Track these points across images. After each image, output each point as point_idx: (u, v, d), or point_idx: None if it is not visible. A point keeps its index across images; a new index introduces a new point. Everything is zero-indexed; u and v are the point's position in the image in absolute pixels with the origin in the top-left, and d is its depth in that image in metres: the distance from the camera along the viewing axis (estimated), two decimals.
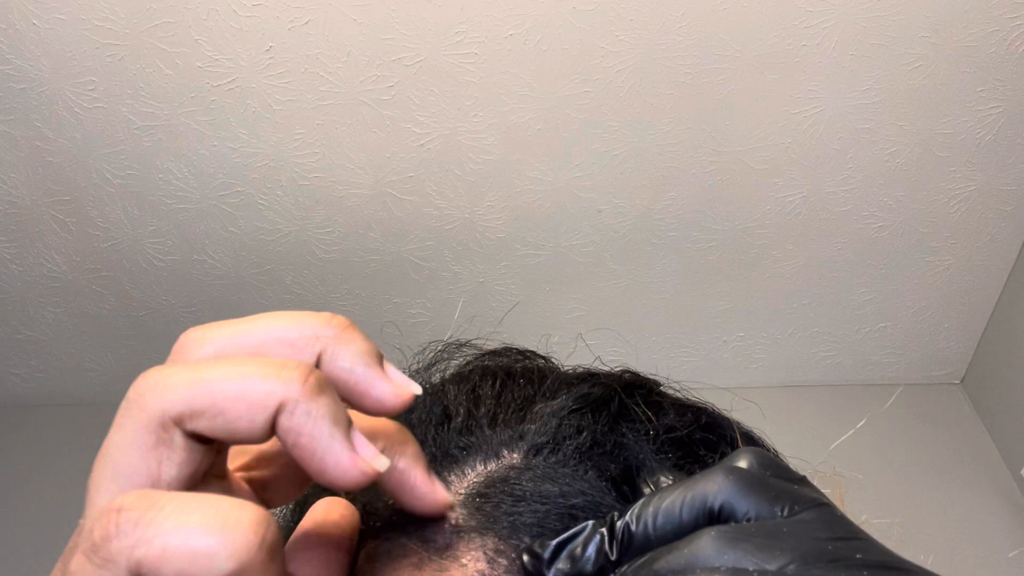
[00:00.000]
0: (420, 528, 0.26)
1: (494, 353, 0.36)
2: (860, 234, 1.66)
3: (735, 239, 1.67)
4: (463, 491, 0.27)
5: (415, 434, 0.26)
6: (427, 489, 0.24)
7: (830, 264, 1.72)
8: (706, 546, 0.20)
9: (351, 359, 0.23)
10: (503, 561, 0.25)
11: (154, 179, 1.58)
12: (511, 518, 0.26)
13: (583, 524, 0.23)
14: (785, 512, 0.21)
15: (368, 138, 1.50)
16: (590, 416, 0.30)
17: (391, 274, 1.75)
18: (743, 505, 0.22)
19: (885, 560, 0.20)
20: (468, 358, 0.36)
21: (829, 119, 1.47)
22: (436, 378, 0.34)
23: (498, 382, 0.32)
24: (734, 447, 0.31)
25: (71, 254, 1.72)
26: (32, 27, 1.37)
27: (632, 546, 0.22)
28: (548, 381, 0.32)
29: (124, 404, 0.20)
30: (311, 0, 1.32)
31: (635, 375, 0.34)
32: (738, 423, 0.33)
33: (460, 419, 0.30)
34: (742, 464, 0.23)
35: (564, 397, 0.30)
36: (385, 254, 1.70)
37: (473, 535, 0.25)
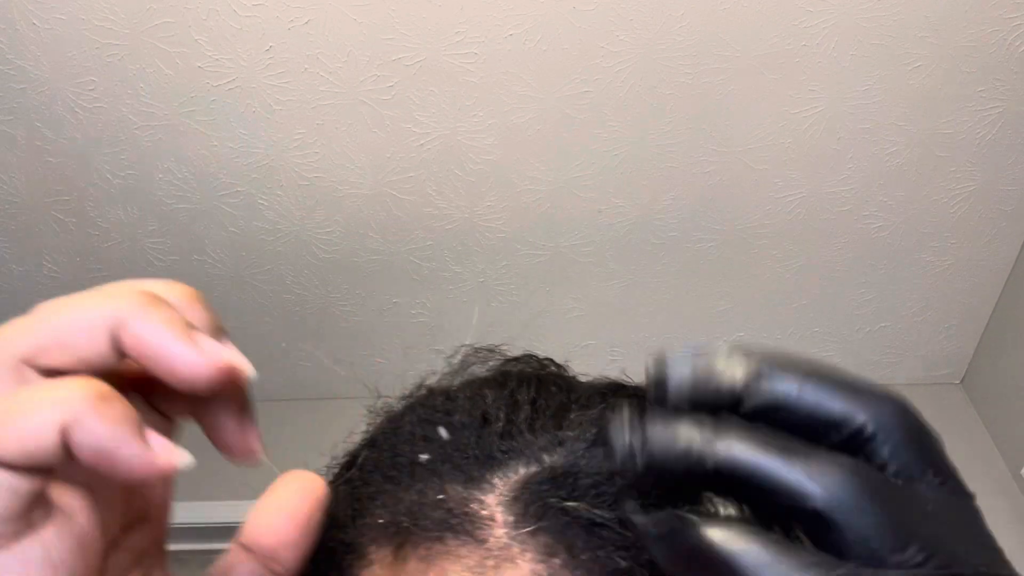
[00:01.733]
0: (473, 529, 0.27)
1: (516, 359, 0.37)
2: (860, 234, 1.66)
3: (735, 239, 1.67)
4: (508, 493, 0.28)
5: (458, 437, 0.28)
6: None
7: (830, 264, 1.72)
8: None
9: (151, 327, 0.22)
10: (557, 560, 0.25)
11: (154, 179, 1.58)
12: (564, 517, 0.26)
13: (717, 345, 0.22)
14: (937, 481, 0.20)
15: (368, 138, 1.50)
16: None
17: (391, 274, 1.75)
18: (893, 443, 0.20)
19: None
20: (493, 363, 0.37)
21: (829, 119, 1.47)
22: (457, 380, 0.35)
23: (533, 388, 0.32)
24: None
25: (71, 254, 1.72)
26: (32, 27, 1.37)
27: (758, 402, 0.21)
28: (580, 390, 0.33)
29: None
30: (311, 0, 1.32)
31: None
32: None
33: (500, 423, 0.30)
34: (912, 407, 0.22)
35: (599, 408, 0.31)
36: (385, 254, 1.70)
37: (526, 536, 0.26)
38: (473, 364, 0.36)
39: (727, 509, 0.21)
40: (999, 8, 1.33)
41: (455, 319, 1.82)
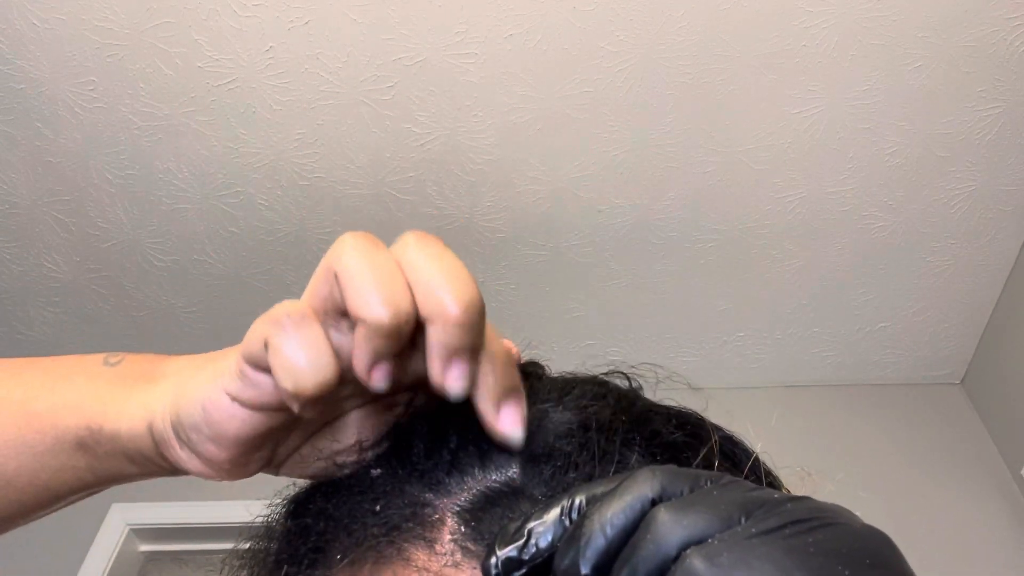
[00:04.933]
0: (423, 531, 0.28)
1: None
2: (860, 234, 1.66)
3: (735, 239, 1.67)
4: (462, 500, 0.29)
5: (411, 452, 0.30)
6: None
7: (830, 264, 1.72)
8: (663, 524, 0.21)
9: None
10: None
11: (154, 179, 1.58)
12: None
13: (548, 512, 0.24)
14: (708, 483, 0.23)
15: (368, 138, 1.50)
16: (598, 433, 0.31)
17: None
18: (676, 486, 0.23)
19: (803, 498, 0.22)
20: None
21: (829, 119, 1.47)
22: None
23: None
24: (711, 449, 0.32)
25: (71, 254, 1.72)
26: (32, 27, 1.37)
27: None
28: (546, 390, 0.34)
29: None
30: (311, 0, 1.33)
31: (622, 393, 0.35)
32: (718, 426, 0.34)
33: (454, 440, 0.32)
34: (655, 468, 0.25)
35: (572, 413, 0.31)
36: None
37: (472, 544, 0.28)
38: None
39: None
40: (999, 8, 1.33)
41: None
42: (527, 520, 0.24)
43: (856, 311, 1.82)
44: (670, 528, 0.21)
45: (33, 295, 1.80)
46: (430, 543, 0.27)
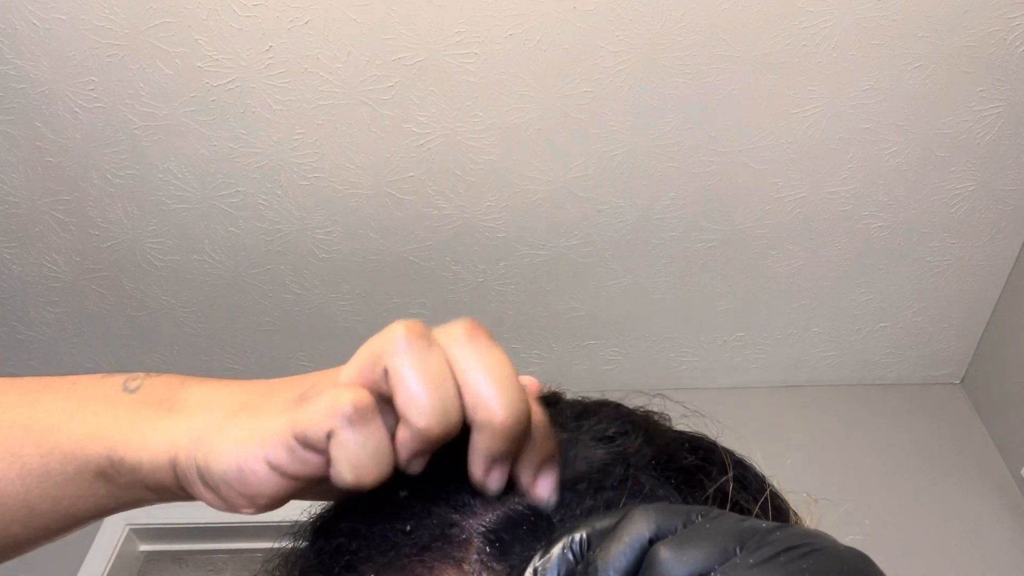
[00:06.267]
0: (451, 550, 0.29)
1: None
2: (860, 234, 1.66)
3: (735, 239, 1.67)
4: (488, 521, 0.30)
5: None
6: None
7: (830, 264, 1.72)
8: (666, 562, 0.22)
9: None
10: None
11: (154, 179, 1.58)
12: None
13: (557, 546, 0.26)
14: (700, 518, 0.24)
15: (368, 138, 1.50)
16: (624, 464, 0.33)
17: (391, 274, 1.75)
18: (671, 523, 0.24)
19: (788, 525, 0.24)
20: None
21: (829, 119, 1.47)
22: None
23: None
24: (724, 471, 0.33)
25: (71, 254, 1.72)
26: (32, 27, 1.37)
27: None
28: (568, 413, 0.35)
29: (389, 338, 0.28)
30: (311, 0, 1.33)
31: (637, 419, 0.36)
32: (729, 451, 0.36)
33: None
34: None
35: (590, 440, 0.33)
36: (385, 254, 1.70)
37: (498, 566, 0.29)
38: None
39: None
40: (999, 8, 1.33)
41: (455, 319, 1.81)
42: (532, 560, 0.25)
43: (856, 311, 1.82)
44: (672, 566, 0.22)
45: (33, 295, 1.80)
46: (458, 562, 0.28)
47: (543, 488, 0.29)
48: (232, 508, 0.30)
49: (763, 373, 1.95)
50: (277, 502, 0.29)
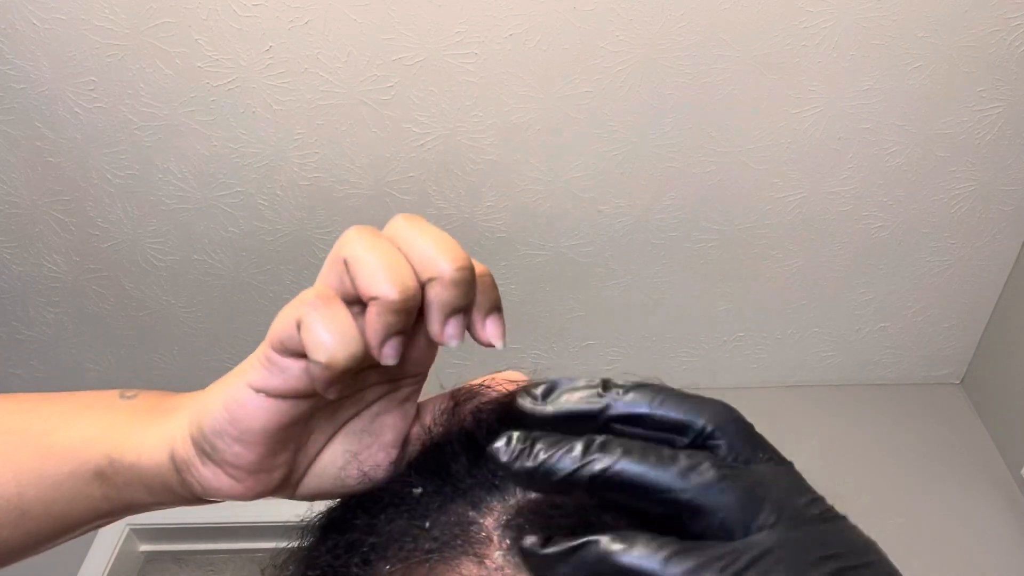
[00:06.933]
0: (472, 548, 0.30)
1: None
2: (860, 234, 1.66)
3: (735, 239, 1.67)
4: (505, 517, 0.31)
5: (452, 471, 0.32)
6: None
7: (830, 264, 1.72)
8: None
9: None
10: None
11: (154, 179, 1.58)
12: None
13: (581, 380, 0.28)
14: (765, 457, 0.26)
15: (368, 138, 1.50)
16: None
17: None
18: (729, 437, 0.26)
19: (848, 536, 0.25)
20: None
21: (829, 119, 1.47)
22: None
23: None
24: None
25: (71, 254, 1.72)
26: (32, 27, 1.37)
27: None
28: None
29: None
30: (311, 0, 1.33)
31: None
32: None
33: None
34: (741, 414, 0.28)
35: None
36: None
37: (519, 560, 0.29)
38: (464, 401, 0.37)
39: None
40: (999, 8, 1.33)
41: None
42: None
43: (856, 311, 1.82)
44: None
45: (33, 295, 1.80)
46: (480, 558, 0.29)
47: (492, 333, 0.31)
48: (234, 473, 0.31)
49: (763, 373, 1.95)
50: (273, 440, 0.30)
